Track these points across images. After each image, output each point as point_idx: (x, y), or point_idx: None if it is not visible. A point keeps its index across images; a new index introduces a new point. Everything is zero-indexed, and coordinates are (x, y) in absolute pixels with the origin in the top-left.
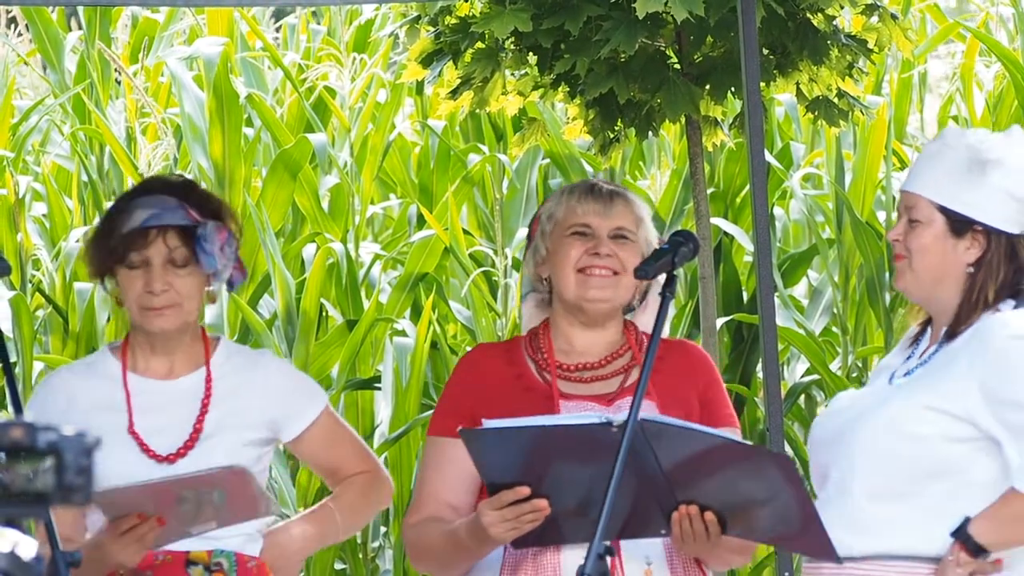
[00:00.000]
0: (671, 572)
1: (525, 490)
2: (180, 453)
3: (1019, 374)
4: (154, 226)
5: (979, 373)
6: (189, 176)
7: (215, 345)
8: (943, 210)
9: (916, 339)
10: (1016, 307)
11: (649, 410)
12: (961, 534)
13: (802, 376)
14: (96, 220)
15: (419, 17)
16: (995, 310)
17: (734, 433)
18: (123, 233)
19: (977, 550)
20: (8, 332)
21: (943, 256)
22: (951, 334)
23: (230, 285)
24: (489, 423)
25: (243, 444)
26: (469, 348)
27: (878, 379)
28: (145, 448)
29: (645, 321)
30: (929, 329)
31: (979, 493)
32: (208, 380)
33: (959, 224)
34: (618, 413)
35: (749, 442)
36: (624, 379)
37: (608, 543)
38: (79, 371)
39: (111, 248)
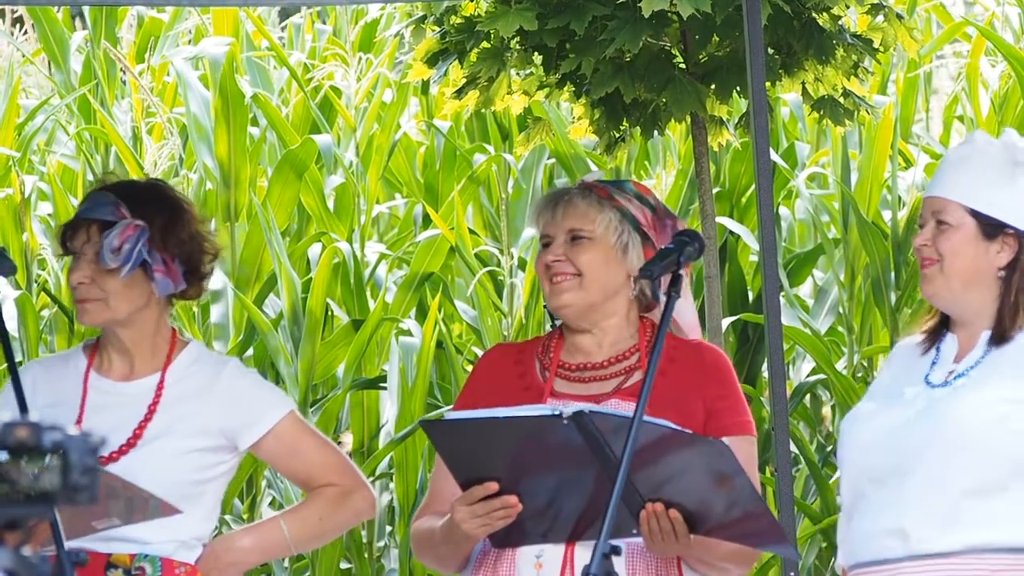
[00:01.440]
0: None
1: (493, 486)
2: (112, 457)
3: None
4: (84, 218)
5: None
6: (194, 176)
7: (180, 349)
8: (974, 213)
9: (931, 346)
10: None
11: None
12: None
13: (808, 376)
14: None
15: (425, 17)
16: None
17: (749, 443)
18: (63, 225)
19: None
20: (13, 332)
21: (975, 259)
22: (1000, 338)
23: (159, 292)
24: (449, 415)
25: (187, 451)
26: (475, 348)
27: (904, 388)
28: None
29: (690, 315)
30: (947, 336)
31: None
32: (160, 385)
33: (990, 227)
34: (570, 405)
35: (688, 430)
36: (623, 380)
37: (612, 543)
38: (49, 365)
39: (60, 243)
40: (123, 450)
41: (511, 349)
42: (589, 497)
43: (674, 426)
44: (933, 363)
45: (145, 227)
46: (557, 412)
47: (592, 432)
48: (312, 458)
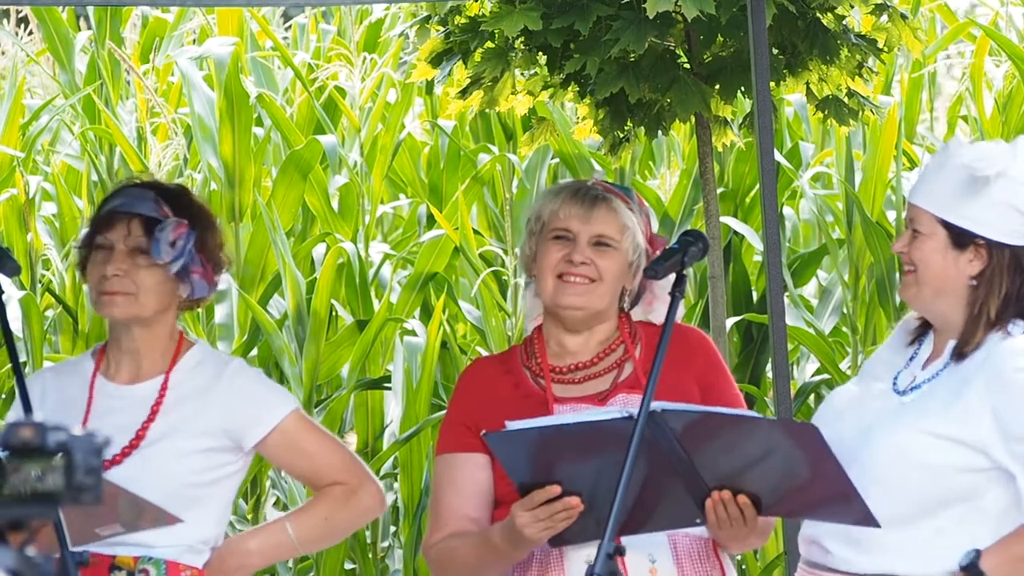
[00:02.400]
0: (677, 568)
1: (556, 488)
2: (115, 460)
3: None
4: (122, 212)
5: (993, 404)
6: (198, 176)
7: (186, 350)
8: (945, 224)
9: (916, 339)
10: None
11: (636, 404)
12: (972, 569)
13: (812, 376)
14: None
15: (429, 17)
16: (1006, 332)
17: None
18: (95, 218)
19: None
20: (18, 332)
21: (944, 269)
22: (960, 354)
23: (191, 293)
24: (512, 424)
25: (190, 453)
26: (479, 348)
27: (874, 376)
28: None
29: (663, 312)
30: (930, 334)
31: (990, 519)
32: (163, 387)
33: (961, 238)
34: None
35: (771, 416)
36: (618, 375)
37: (616, 543)
38: (60, 370)
39: (84, 235)
40: (125, 452)
41: (493, 361)
42: (640, 493)
43: (751, 413)
44: (911, 359)
45: (192, 228)
46: (626, 414)
47: (663, 429)
48: (317, 456)
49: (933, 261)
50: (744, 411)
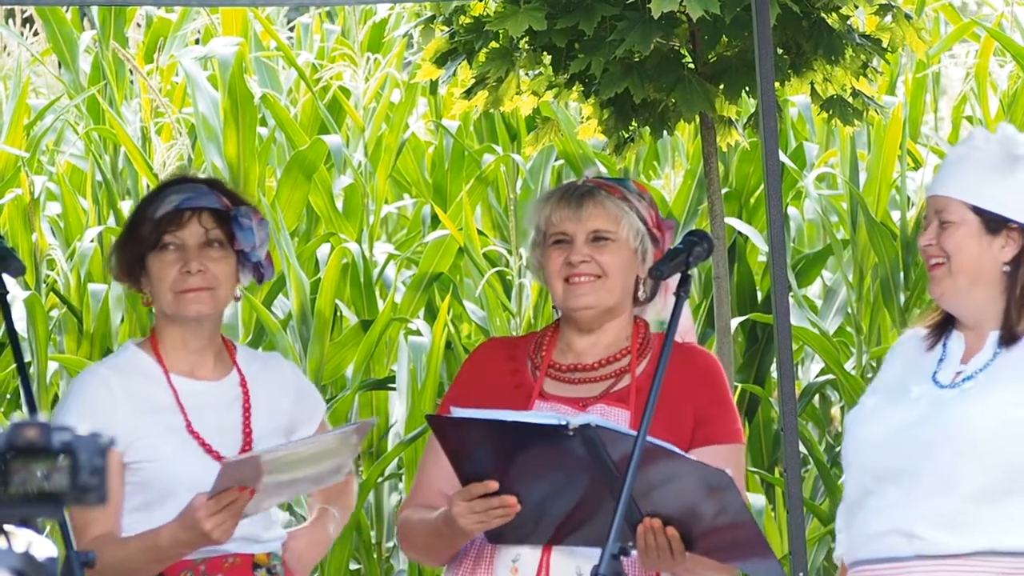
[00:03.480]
0: None
1: (493, 484)
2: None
3: None
4: (189, 208)
5: None
6: (202, 176)
7: (234, 348)
8: (976, 210)
9: (937, 342)
10: None
11: (622, 418)
12: None
13: (816, 376)
14: (111, 220)
15: (433, 17)
16: None
17: (738, 451)
18: (157, 218)
19: None
20: (23, 332)
21: (979, 255)
22: (1009, 339)
23: (260, 277)
24: (456, 412)
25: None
26: None
27: (910, 386)
28: (208, 449)
29: (687, 326)
30: (954, 333)
31: None
32: (243, 383)
33: (993, 223)
34: (577, 416)
35: (691, 456)
36: (612, 384)
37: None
38: (118, 367)
39: (143, 236)
40: (243, 452)
41: (505, 344)
42: (576, 504)
43: (677, 450)
44: (940, 360)
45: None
46: (564, 423)
47: (595, 444)
48: None
49: (967, 248)
50: (667, 445)
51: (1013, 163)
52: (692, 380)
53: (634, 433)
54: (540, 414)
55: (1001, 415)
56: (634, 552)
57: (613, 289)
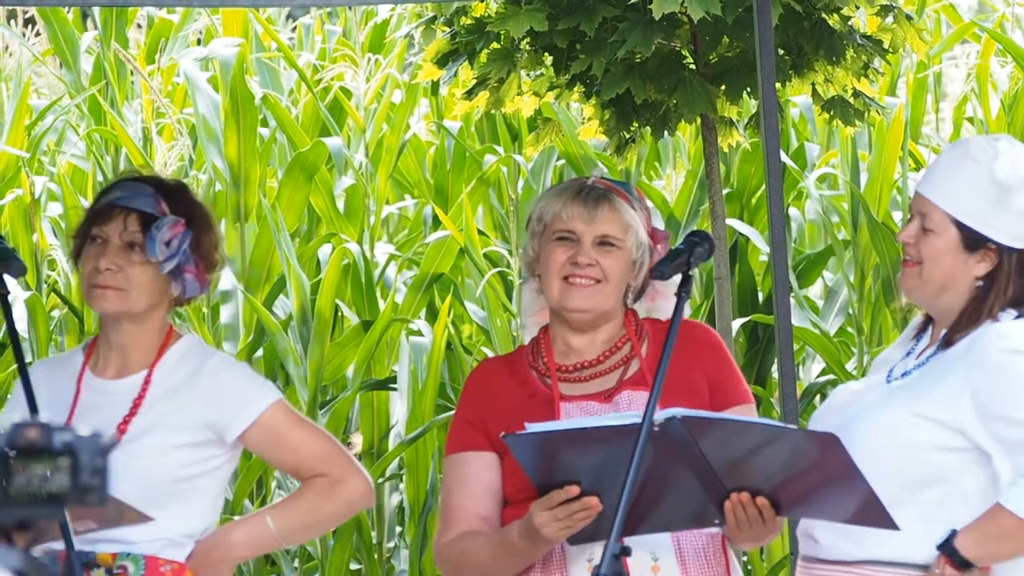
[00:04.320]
0: (680, 566)
1: (575, 489)
2: None
3: (1013, 390)
4: (120, 206)
5: (973, 384)
6: (203, 177)
7: (172, 344)
8: (958, 224)
9: (919, 333)
10: (1017, 317)
11: (642, 401)
12: (947, 547)
13: (818, 376)
14: None
15: (435, 18)
16: (995, 319)
17: (750, 410)
18: (93, 210)
19: (963, 564)
20: (24, 332)
21: (953, 268)
22: (948, 340)
23: (183, 292)
24: (531, 427)
25: (170, 447)
26: (484, 348)
27: (877, 372)
28: None
29: (667, 308)
30: (931, 327)
31: (970, 501)
32: (146, 381)
33: (973, 240)
34: (660, 412)
35: (792, 426)
36: (623, 372)
37: (620, 543)
38: (50, 364)
39: (81, 226)
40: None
41: (500, 362)
42: (653, 492)
43: (773, 423)
44: (909, 352)
45: (188, 227)
46: (650, 419)
47: (682, 435)
48: (301, 448)
49: (942, 260)
50: (767, 420)
51: (1002, 187)
52: (696, 352)
53: (721, 416)
54: (619, 415)
55: (898, 424)
56: (715, 529)
57: (610, 295)
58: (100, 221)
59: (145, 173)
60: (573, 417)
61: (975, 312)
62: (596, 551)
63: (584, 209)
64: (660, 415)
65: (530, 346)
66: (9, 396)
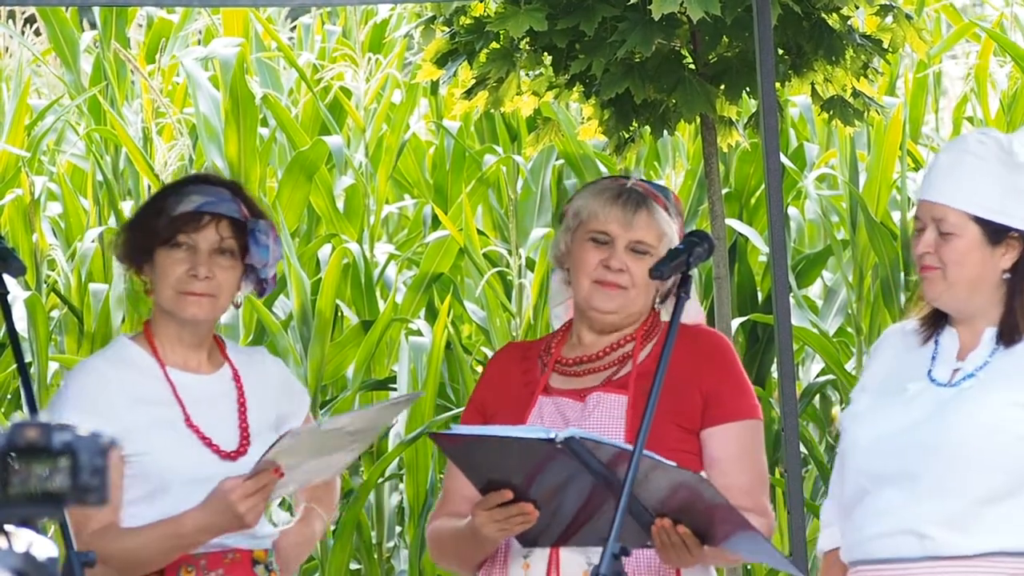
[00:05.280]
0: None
1: (507, 493)
2: (241, 451)
3: None
4: (209, 212)
5: None
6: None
7: (223, 343)
8: (978, 220)
9: (930, 336)
10: None
11: (618, 404)
12: None
13: (817, 376)
14: (112, 221)
15: (434, 17)
16: None
17: (753, 426)
18: (175, 215)
19: None
20: (23, 332)
21: (981, 266)
22: (1009, 339)
23: (261, 291)
24: (456, 428)
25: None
26: (484, 348)
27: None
28: (207, 443)
29: (694, 312)
30: (949, 328)
31: None
32: (236, 378)
33: (995, 233)
34: (563, 430)
35: (670, 462)
36: (615, 372)
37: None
38: (112, 360)
39: (157, 229)
40: (243, 447)
41: (518, 347)
42: (581, 505)
43: (654, 455)
44: (934, 357)
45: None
46: (552, 436)
47: (584, 454)
48: None
49: (968, 260)
50: (648, 453)
51: (1012, 170)
52: (699, 362)
53: (614, 442)
54: (529, 428)
55: (1001, 415)
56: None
57: (637, 299)
58: (189, 228)
59: (219, 176)
60: (545, 413)
61: (1014, 307)
62: (535, 552)
63: (622, 213)
64: (563, 433)
65: (550, 335)
66: (17, 400)
